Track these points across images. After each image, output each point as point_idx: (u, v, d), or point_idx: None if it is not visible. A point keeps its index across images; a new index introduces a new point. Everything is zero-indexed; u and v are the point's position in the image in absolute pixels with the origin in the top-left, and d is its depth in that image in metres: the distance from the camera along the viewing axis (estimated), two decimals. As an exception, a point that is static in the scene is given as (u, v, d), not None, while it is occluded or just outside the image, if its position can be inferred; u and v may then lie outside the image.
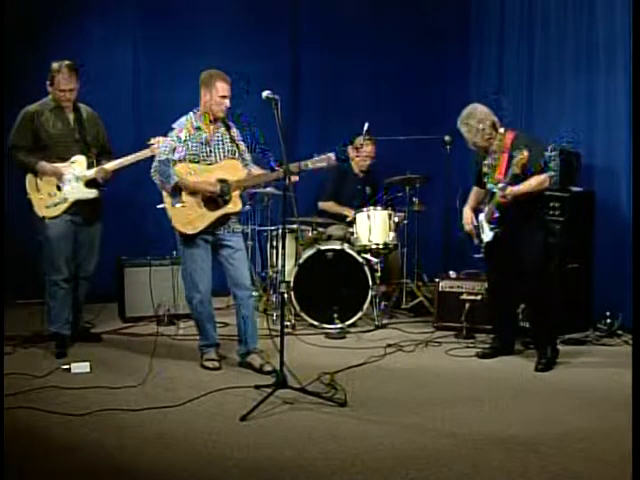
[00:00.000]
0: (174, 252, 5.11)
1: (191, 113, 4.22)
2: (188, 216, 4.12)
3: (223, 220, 4.19)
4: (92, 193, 4.53)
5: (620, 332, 5.03)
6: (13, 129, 4.47)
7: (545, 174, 4.24)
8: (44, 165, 4.41)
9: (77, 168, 4.47)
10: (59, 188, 4.44)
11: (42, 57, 5.55)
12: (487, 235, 4.46)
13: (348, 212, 5.86)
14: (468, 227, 4.60)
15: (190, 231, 4.13)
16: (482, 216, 4.49)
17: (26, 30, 5.70)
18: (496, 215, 4.34)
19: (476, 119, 4.32)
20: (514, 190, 4.21)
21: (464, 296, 5.22)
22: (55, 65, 4.40)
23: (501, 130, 4.36)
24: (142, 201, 5.88)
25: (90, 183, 4.50)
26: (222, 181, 4.13)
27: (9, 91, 5.43)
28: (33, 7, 5.72)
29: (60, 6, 5.86)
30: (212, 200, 4.14)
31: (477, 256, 4.67)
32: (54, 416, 3.41)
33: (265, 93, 3.83)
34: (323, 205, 6.09)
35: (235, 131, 4.33)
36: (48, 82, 4.43)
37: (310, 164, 3.99)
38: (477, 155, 4.54)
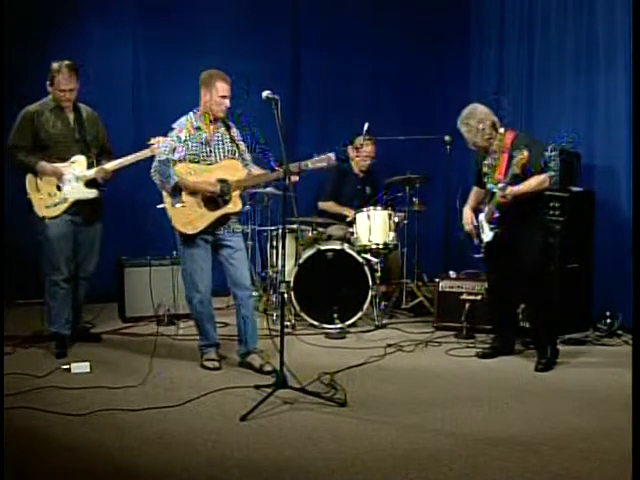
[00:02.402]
0: (174, 252, 5.10)
1: (191, 113, 4.22)
2: (188, 216, 4.12)
3: (223, 220, 4.19)
4: (92, 193, 4.53)
5: (620, 332, 5.03)
6: (13, 129, 4.46)
7: (545, 174, 4.24)
8: (44, 165, 4.41)
9: (77, 168, 4.47)
10: (59, 188, 4.44)
11: (42, 57, 5.53)
12: (487, 235, 4.46)
13: (348, 212, 5.87)
14: (468, 227, 4.60)
15: (190, 231, 4.13)
16: (482, 216, 4.49)
17: (26, 30, 5.70)
18: (496, 215, 4.34)
19: (476, 119, 4.32)
20: (514, 190, 4.21)
21: (464, 296, 5.22)
22: (55, 65, 4.39)
23: (501, 130, 4.36)
24: (142, 201, 5.87)
25: (90, 183, 4.50)
26: (222, 181, 4.13)
27: (9, 91, 5.44)
28: (33, 7, 5.73)
29: (60, 6, 5.87)
30: (212, 200, 4.14)
31: (477, 256, 4.66)
32: (54, 416, 3.41)
33: (265, 93, 3.82)
34: (323, 205, 6.10)
35: (235, 131, 4.33)
36: (48, 82, 4.43)
37: (310, 164, 4.00)
38: (477, 155, 4.54)
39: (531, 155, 4.12)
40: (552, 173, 4.37)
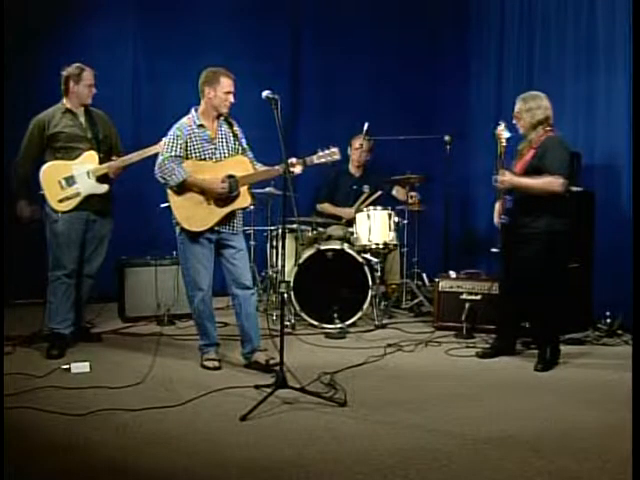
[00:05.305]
0: (174, 252, 5.10)
1: (192, 111, 4.21)
2: (195, 213, 4.10)
3: (230, 216, 4.19)
4: (103, 188, 4.55)
5: (620, 332, 5.03)
6: (24, 140, 4.50)
7: (558, 178, 4.15)
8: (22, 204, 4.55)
9: (89, 163, 4.49)
10: (72, 183, 4.46)
11: (42, 58, 5.57)
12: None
13: (343, 213, 5.92)
14: (496, 220, 4.48)
15: (197, 228, 4.11)
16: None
17: (26, 30, 5.72)
18: (508, 206, 4.34)
19: (536, 103, 4.30)
20: (513, 180, 4.21)
21: (464, 296, 5.22)
22: (71, 69, 4.48)
23: (547, 128, 4.30)
24: (142, 201, 5.90)
25: (101, 178, 4.53)
26: (229, 177, 4.12)
27: (10, 91, 5.45)
28: (33, 8, 5.73)
29: (60, 7, 5.87)
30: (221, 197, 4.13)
31: (494, 250, 4.65)
32: (54, 416, 3.40)
33: (265, 93, 3.82)
34: (319, 207, 6.16)
35: (237, 128, 4.32)
36: (64, 87, 4.48)
37: (315, 159, 4.10)
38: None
39: (546, 154, 4.15)
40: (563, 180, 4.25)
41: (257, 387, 3.81)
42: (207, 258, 4.20)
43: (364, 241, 5.51)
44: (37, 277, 4.78)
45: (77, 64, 4.52)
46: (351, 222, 5.72)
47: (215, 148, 4.18)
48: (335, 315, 5.25)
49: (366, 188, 6.04)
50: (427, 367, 4.42)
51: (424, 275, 6.23)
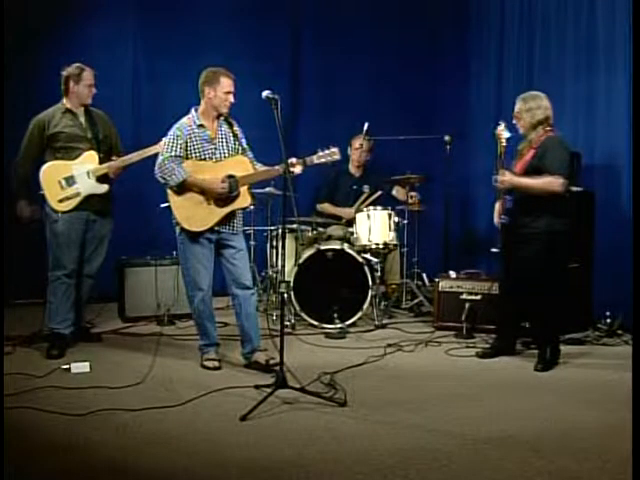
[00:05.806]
0: (174, 252, 5.10)
1: (192, 111, 4.21)
2: (195, 213, 4.10)
3: (230, 216, 4.19)
4: (103, 188, 4.55)
5: (620, 332, 5.03)
6: (24, 140, 4.49)
7: (557, 178, 4.15)
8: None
9: (89, 163, 4.49)
10: (72, 183, 4.45)
11: (42, 58, 5.56)
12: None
13: (343, 213, 5.92)
14: (497, 220, 4.48)
15: (197, 228, 4.11)
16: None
17: (26, 30, 5.72)
18: (508, 206, 4.34)
19: (536, 103, 4.30)
20: (513, 180, 4.21)
21: (464, 296, 5.22)
22: (71, 69, 4.48)
23: (547, 128, 4.30)
24: (142, 201, 5.90)
25: (101, 178, 4.53)
26: (229, 177, 4.12)
27: (10, 90, 5.45)
28: (33, 8, 5.73)
29: (60, 7, 5.87)
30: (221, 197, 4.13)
31: (494, 250, 4.65)
32: (54, 416, 3.40)
33: (265, 93, 3.82)
34: (319, 207, 6.16)
35: (237, 128, 4.32)
36: (64, 87, 4.48)
37: (315, 159, 4.10)
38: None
39: (546, 154, 4.15)
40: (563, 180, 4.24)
41: (257, 387, 3.81)
42: (207, 258, 4.19)
43: (364, 241, 5.51)
44: (37, 277, 4.78)
45: (77, 64, 4.52)
46: (351, 222, 5.72)
47: (215, 148, 4.18)
48: (335, 315, 5.25)
49: (366, 188, 6.03)
50: (427, 367, 4.42)
51: (424, 275, 6.23)
